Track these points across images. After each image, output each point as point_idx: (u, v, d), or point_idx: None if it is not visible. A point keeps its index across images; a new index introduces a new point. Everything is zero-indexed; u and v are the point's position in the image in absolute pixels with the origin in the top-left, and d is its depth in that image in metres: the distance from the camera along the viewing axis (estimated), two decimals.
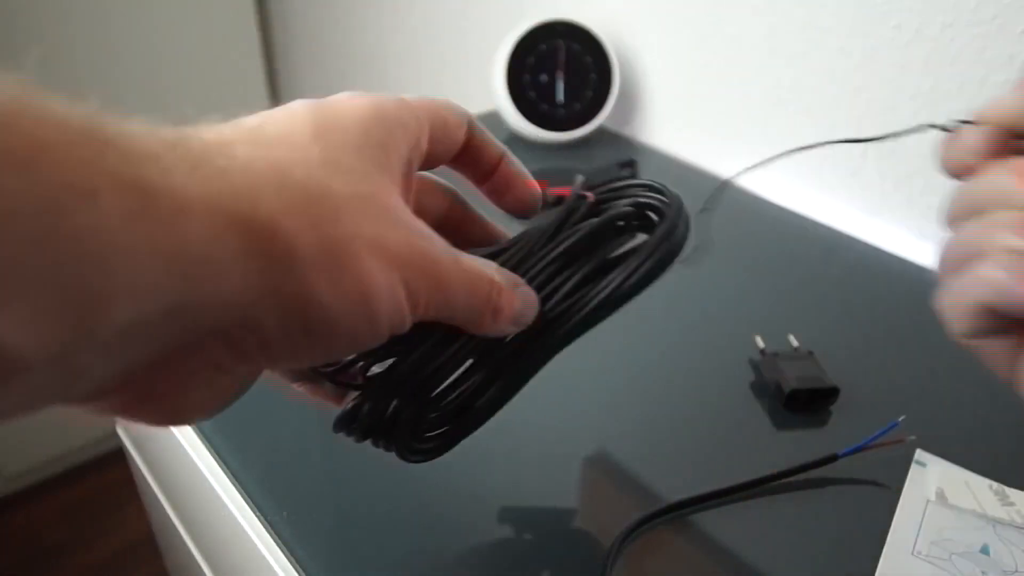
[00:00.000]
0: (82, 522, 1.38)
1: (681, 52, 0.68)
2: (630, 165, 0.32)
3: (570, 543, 0.34)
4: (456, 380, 0.26)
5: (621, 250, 0.28)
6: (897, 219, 0.58)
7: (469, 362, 0.26)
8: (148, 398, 0.19)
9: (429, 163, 0.25)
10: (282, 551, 0.34)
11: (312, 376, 0.26)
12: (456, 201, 0.28)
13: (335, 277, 0.19)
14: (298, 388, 0.26)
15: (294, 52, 1.29)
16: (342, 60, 1.17)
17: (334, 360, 0.24)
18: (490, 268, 0.24)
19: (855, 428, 0.40)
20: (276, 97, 1.38)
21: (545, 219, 0.28)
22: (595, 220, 0.27)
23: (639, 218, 0.28)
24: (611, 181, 0.29)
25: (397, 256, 0.20)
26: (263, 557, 0.37)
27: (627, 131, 0.76)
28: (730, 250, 0.56)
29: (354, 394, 0.26)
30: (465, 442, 0.29)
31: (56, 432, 1.42)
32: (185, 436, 0.44)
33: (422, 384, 0.25)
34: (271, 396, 0.42)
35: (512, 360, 0.27)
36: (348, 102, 0.22)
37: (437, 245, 0.22)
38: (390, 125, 0.22)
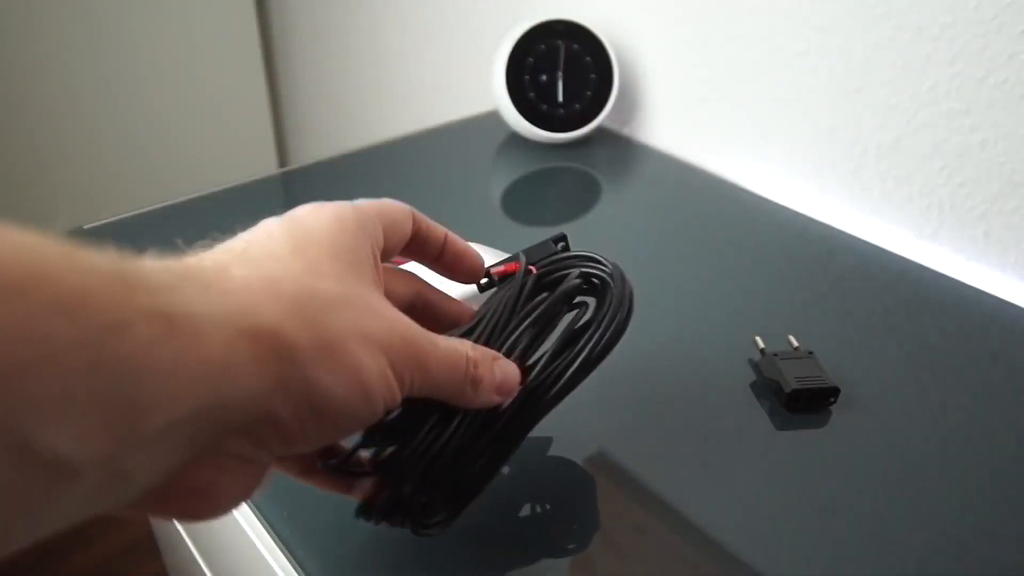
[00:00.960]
0: (82, 522, 1.38)
1: (681, 52, 0.68)
2: (563, 240, 0.35)
3: (571, 544, 0.34)
4: (458, 454, 0.28)
5: (582, 320, 0.32)
6: (897, 219, 0.58)
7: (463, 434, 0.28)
8: (188, 495, 0.22)
9: (386, 256, 0.29)
10: (282, 551, 0.34)
11: (319, 471, 0.28)
12: (420, 286, 0.32)
13: (332, 366, 0.22)
14: (307, 483, 0.29)
15: (294, 52, 1.29)
16: (342, 60, 1.17)
17: (341, 437, 0.25)
18: (465, 345, 0.27)
19: (856, 428, 0.40)
20: (276, 96, 1.38)
21: (501, 297, 0.31)
22: (555, 295, 0.31)
23: (586, 285, 0.32)
24: (550, 255, 0.33)
25: (381, 342, 0.23)
26: (263, 557, 0.37)
27: (627, 131, 0.76)
28: (730, 250, 0.56)
29: (366, 480, 0.29)
30: None
31: None
32: None
33: (429, 465, 0.27)
34: None
35: (504, 428, 0.30)
36: (314, 216, 0.26)
37: (414, 329, 0.25)
38: (353, 230, 0.26)
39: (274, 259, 0.23)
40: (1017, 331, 0.48)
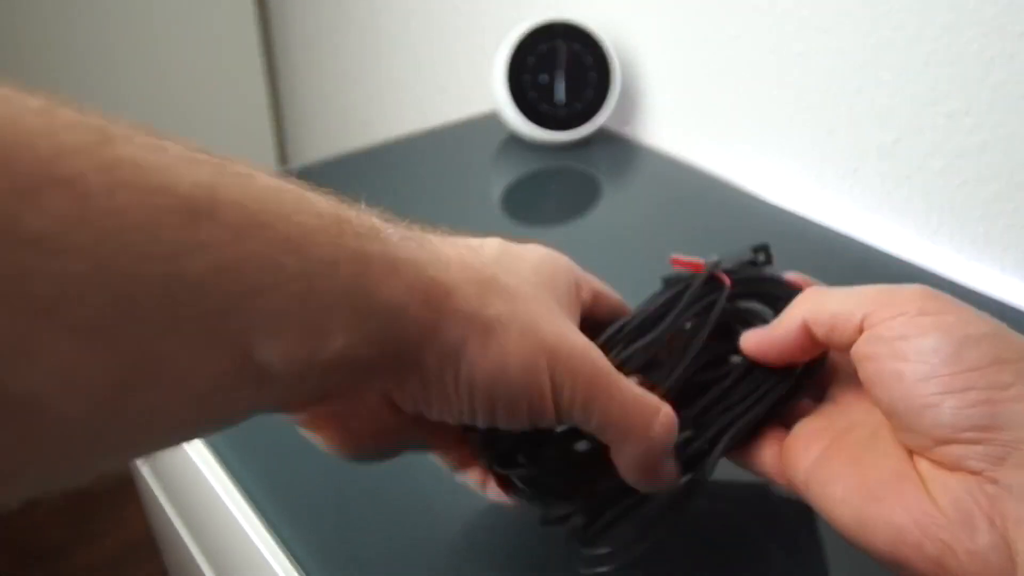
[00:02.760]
0: (82, 522, 1.38)
1: (681, 52, 0.68)
2: (765, 249, 0.32)
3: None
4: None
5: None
6: (897, 219, 0.58)
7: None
8: (335, 419, 0.25)
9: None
10: (282, 551, 0.34)
11: (474, 463, 0.30)
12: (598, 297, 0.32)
13: (483, 340, 0.23)
14: (461, 478, 0.31)
15: (294, 52, 1.29)
16: (342, 60, 1.17)
17: (477, 420, 0.25)
18: (657, 400, 0.26)
19: None
20: (276, 97, 1.38)
21: (676, 307, 0.30)
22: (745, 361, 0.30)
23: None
24: (748, 267, 0.32)
25: (545, 343, 0.24)
26: (263, 557, 0.37)
27: (627, 131, 0.76)
28: (729, 250, 0.56)
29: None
30: None
31: None
32: None
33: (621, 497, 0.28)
34: None
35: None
36: (531, 248, 0.28)
37: (597, 358, 0.25)
38: (559, 270, 0.28)
39: (475, 252, 0.25)
40: (1017, 331, 0.48)
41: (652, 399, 0.26)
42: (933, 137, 0.54)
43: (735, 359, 0.31)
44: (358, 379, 0.22)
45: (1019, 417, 0.22)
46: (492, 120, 0.74)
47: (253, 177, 0.19)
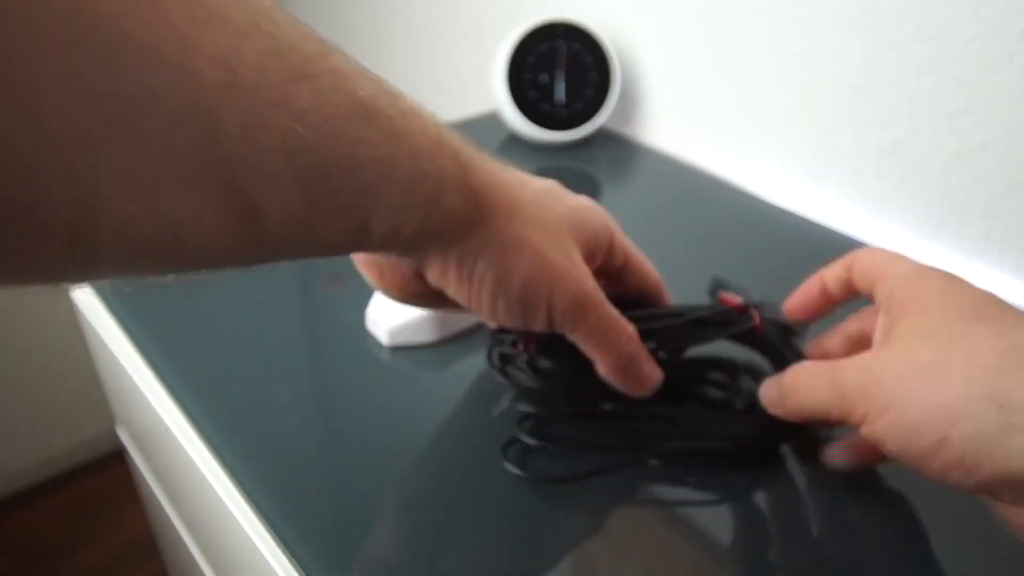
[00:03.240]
0: (82, 522, 1.38)
1: (681, 52, 0.68)
2: (794, 328, 0.38)
3: (576, 546, 0.34)
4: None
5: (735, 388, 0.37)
6: (897, 219, 0.58)
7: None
8: (375, 264, 0.33)
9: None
10: (282, 551, 0.34)
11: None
12: (630, 260, 0.37)
13: (499, 253, 0.30)
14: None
15: None
16: None
17: (481, 316, 0.33)
18: (631, 327, 0.34)
19: None
20: None
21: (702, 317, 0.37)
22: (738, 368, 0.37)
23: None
24: (780, 327, 0.37)
25: (550, 269, 0.31)
26: (263, 557, 0.37)
27: (627, 131, 0.76)
28: (730, 250, 0.56)
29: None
30: (467, 444, 0.32)
31: (56, 432, 1.42)
32: (185, 436, 0.44)
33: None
34: (271, 396, 0.42)
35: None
36: (577, 197, 0.35)
37: (591, 283, 0.32)
38: (590, 219, 0.34)
39: (523, 183, 0.33)
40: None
41: (627, 324, 0.33)
42: (933, 137, 0.54)
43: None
44: (407, 250, 0.30)
45: None
46: (492, 120, 0.74)
47: (399, 97, 0.27)
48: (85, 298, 0.56)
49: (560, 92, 0.68)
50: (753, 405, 0.34)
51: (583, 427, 0.37)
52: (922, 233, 0.57)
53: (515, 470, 0.35)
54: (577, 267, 0.32)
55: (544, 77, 0.68)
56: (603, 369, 0.34)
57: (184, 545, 0.61)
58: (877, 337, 0.30)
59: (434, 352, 0.44)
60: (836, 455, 0.34)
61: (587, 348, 0.33)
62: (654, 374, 0.35)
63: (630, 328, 0.33)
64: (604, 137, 0.74)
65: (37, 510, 1.40)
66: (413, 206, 0.27)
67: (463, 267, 0.30)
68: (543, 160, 0.68)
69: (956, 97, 0.52)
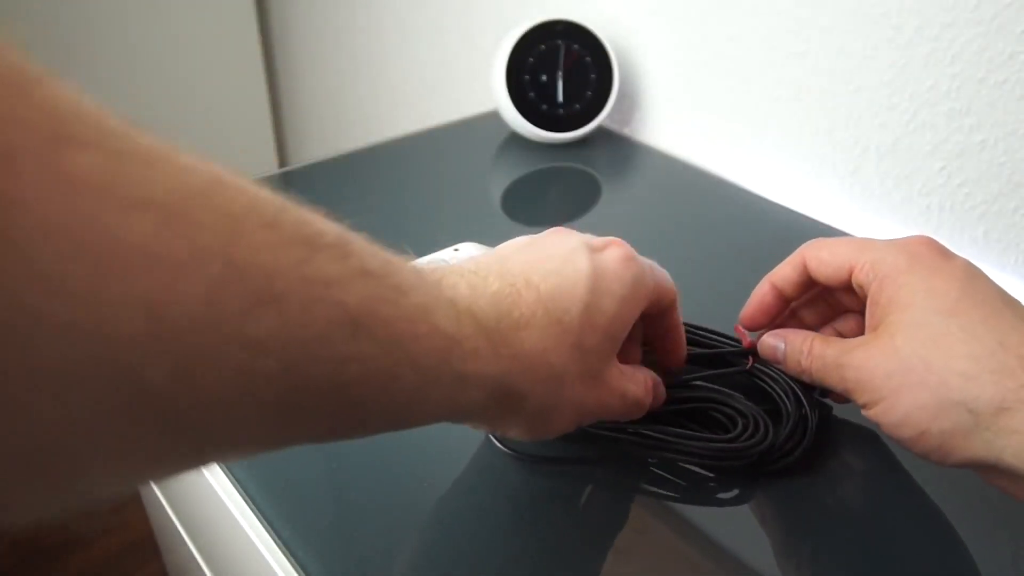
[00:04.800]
0: (82, 522, 1.38)
1: (681, 52, 0.68)
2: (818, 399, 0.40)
3: (576, 546, 0.34)
4: None
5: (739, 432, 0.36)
6: (897, 219, 0.58)
7: None
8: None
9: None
10: (282, 551, 0.34)
11: None
12: (670, 321, 0.37)
13: (537, 425, 0.30)
14: None
15: (294, 52, 1.29)
16: (342, 60, 1.17)
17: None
18: (646, 386, 0.34)
19: (866, 426, 0.40)
20: (276, 96, 1.38)
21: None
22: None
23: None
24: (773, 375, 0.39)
25: (586, 411, 0.31)
26: (263, 557, 0.37)
27: (627, 131, 0.76)
28: (730, 250, 0.56)
29: None
30: (465, 445, 0.32)
31: None
32: None
33: None
34: None
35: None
36: (618, 277, 0.31)
37: (615, 395, 0.32)
38: (640, 302, 0.32)
39: (562, 325, 0.29)
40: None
41: (641, 399, 0.34)
42: (933, 137, 0.54)
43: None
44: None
45: None
46: (493, 119, 0.74)
47: (409, 291, 0.24)
48: None
49: (560, 92, 0.68)
50: (745, 430, 0.36)
51: (570, 446, 0.38)
52: (922, 233, 0.57)
53: (503, 447, 0.37)
54: (607, 387, 0.32)
55: (544, 77, 0.68)
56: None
57: (184, 545, 0.61)
58: (868, 323, 0.34)
59: None
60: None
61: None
62: (661, 398, 0.36)
63: (642, 395, 0.34)
64: (604, 137, 0.73)
65: None
66: (423, 408, 0.25)
67: (494, 429, 0.33)
68: (543, 160, 0.68)
69: (956, 97, 0.52)
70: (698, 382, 0.39)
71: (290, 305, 0.19)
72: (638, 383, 0.33)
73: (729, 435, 0.36)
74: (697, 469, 0.37)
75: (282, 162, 1.43)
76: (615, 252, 0.32)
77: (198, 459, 0.20)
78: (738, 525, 0.35)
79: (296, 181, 0.67)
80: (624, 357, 0.34)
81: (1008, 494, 0.30)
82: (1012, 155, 0.50)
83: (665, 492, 0.36)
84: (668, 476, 0.37)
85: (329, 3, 1.13)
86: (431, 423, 0.26)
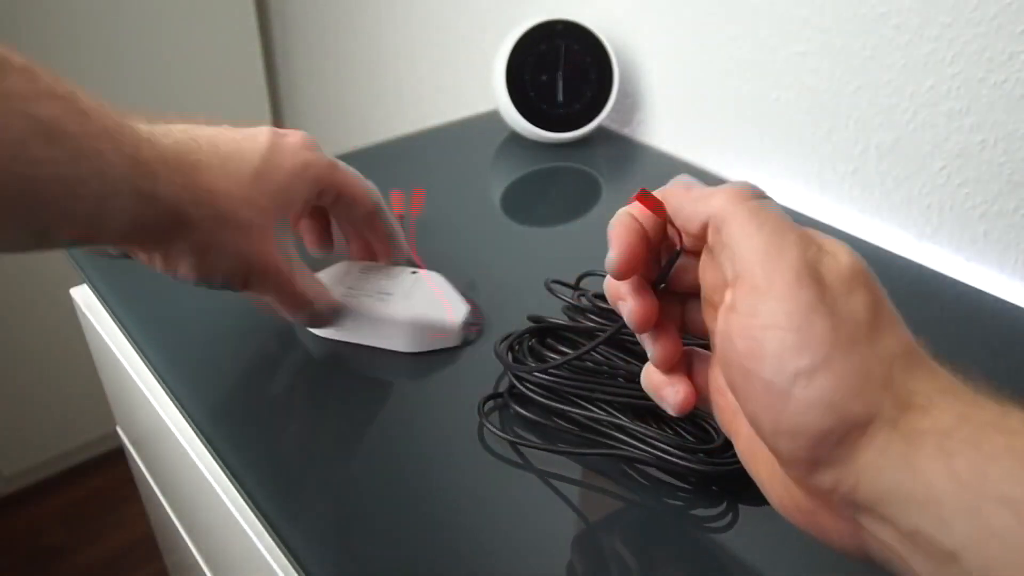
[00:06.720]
0: (82, 522, 1.38)
1: (681, 52, 0.68)
2: None
3: (575, 546, 0.34)
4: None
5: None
6: (897, 219, 0.58)
7: None
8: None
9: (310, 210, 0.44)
10: (282, 551, 0.34)
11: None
12: (377, 219, 0.45)
13: (203, 260, 0.35)
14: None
15: (294, 52, 1.29)
16: (342, 60, 1.17)
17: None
18: (315, 291, 0.40)
19: None
20: (276, 96, 1.38)
21: None
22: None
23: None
24: None
25: (250, 263, 0.36)
26: (263, 557, 0.37)
27: (627, 131, 0.76)
28: None
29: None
30: (467, 444, 0.31)
31: (56, 432, 1.42)
32: (185, 436, 0.44)
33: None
34: (271, 398, 0.42)
35: None
36: (292, 153, 0.39)
37: (273, 262, 0.37)
38: (309, 183, 0.39)
39: (235, 172, 0.36)
40: (1017, 331, 0.48)
41: (311, 290, 0.40)
42: (933, 137, 0.54)
43: None
44: (99, 248, 0.35)
45: None
46: (493, 119, 0.74)
47: (91, 117, 0.29)
48: (85, 298, 0.56)
49: (560, 92, 0.68)
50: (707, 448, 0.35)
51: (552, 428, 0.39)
52: (922, 233, 0.57)
53: (493, 429, 0.38)
54: (267, 243, 0.36)
55: (544, 77, 0.68)
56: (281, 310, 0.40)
57: (184, 545, 0.61)
58: (727, 299, 0.25)
59: (426, 355, 0.44)
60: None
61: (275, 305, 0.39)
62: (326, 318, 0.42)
63: (315, 289, 0.40)
64: (604, 136, 0.74)
65: (37, 510, 1.40)
66: (104, 221, 0.30)
67: (167, 264, 0.35)
68: (543, 159, 0.68)
69: (956, 97, 0.52)
70: None
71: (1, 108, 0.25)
72: (309, 280, 0.39)
73: (709, 446, 0.36)
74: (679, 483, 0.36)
75: None
76: (296, 136, 0.39)
77: None
78: (730, 523, 0.35)
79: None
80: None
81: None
82: (1012, 155, 0.50)
83: (665, 491, 0.36)
84: (667, 478, 0.37)
85: (329, 4, 1.13)
86: (113, 242, 0.32)
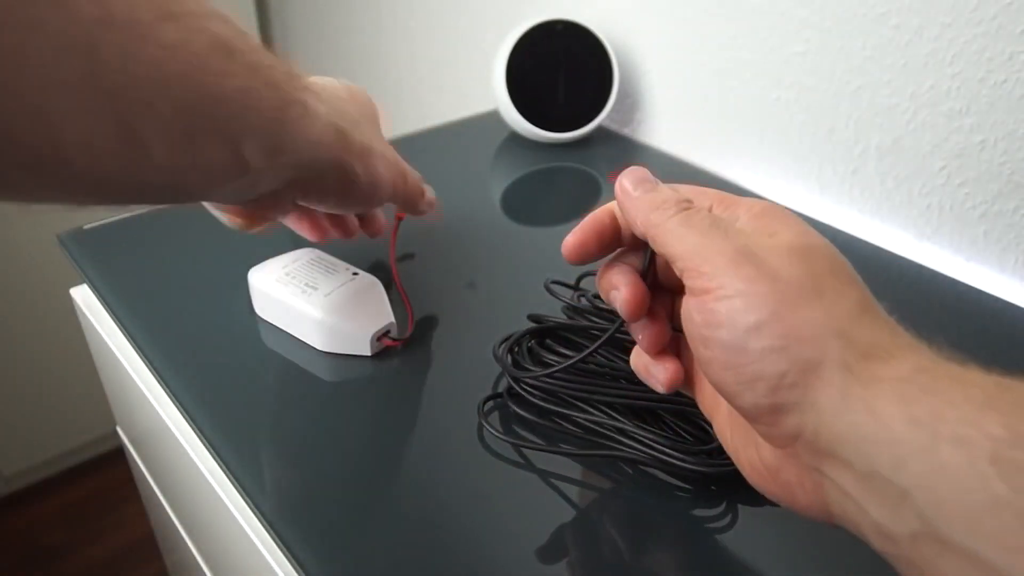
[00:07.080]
0: (82, 522, 1.38)
1: (681, 52, 0.68)
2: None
3: (576, 545, 0.34)
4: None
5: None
6: (897, 219, 0.58)
7: None
8: (267, 208, 0.36)
9: None
10: (282, 551, 0.34)
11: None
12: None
13: (363, 166, 0.37)
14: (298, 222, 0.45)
15: (294, 52, 1.29)
16: (342, 60, 1.17)
17: (356, 210, 0.45)
18: (420, 182, 0.46)
19: None
20: None
21: None
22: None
23: None
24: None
25: (393, 166, 0.41)
26: (263, 557, 0.37)
27: (627, 131, 0.76)
28: None
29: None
30: (466, 444, 0.31)
31: (56, 432, 1.42)
32: (185, 436, 0.44)
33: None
34: (271, 398, 0.42)
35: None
36: (361, 93, 0.44)
37: (396, 160, 0.42)
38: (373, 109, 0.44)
39: (352, 108, 0.41)
40: (1017, 331, 0.48)
41: (420, 183, 0.46)
42: (933, 137, 0.54)
43: None
44: (281, 180, 0.33)
45: None
46: (493, 118, 0.74)
47: (248, 35, 0.30)
48: (85, 298, 0.56)
49: (560, 92, 0.68)
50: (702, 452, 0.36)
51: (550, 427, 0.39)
52: (922, 233, 0.57)
53: (493, 430, 0.38)
54: (394, 152, 0.42)
55: (544, 77, 0.68)
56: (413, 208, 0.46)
57: (184, 545, 0.61)
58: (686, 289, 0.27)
59: (426, 355, 0.44)
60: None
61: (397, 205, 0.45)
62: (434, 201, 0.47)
63: (421, 185, 0.46)
64: (604, 136, 0.74)
65: (37, 510, 1.40)
66: (282, 133, 0.31)
67: (346, 181, 0.37)
68: (543, 159, 0.68)
69: (956, 97, 0.52)
70: None
71: (185, 23, 0.26)
72: (408, 169, 0.44)
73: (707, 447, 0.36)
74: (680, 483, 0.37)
75: None
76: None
77: (123, 154, 0.25)
78: (730, 522, 0.35)
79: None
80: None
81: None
82: (1012, 155, 0.50)
83: (662, 492, 0.36)
84: (667, 479, 0.37)
85: (329, 4, 1.13)
86: (298, 154, 0.32)
